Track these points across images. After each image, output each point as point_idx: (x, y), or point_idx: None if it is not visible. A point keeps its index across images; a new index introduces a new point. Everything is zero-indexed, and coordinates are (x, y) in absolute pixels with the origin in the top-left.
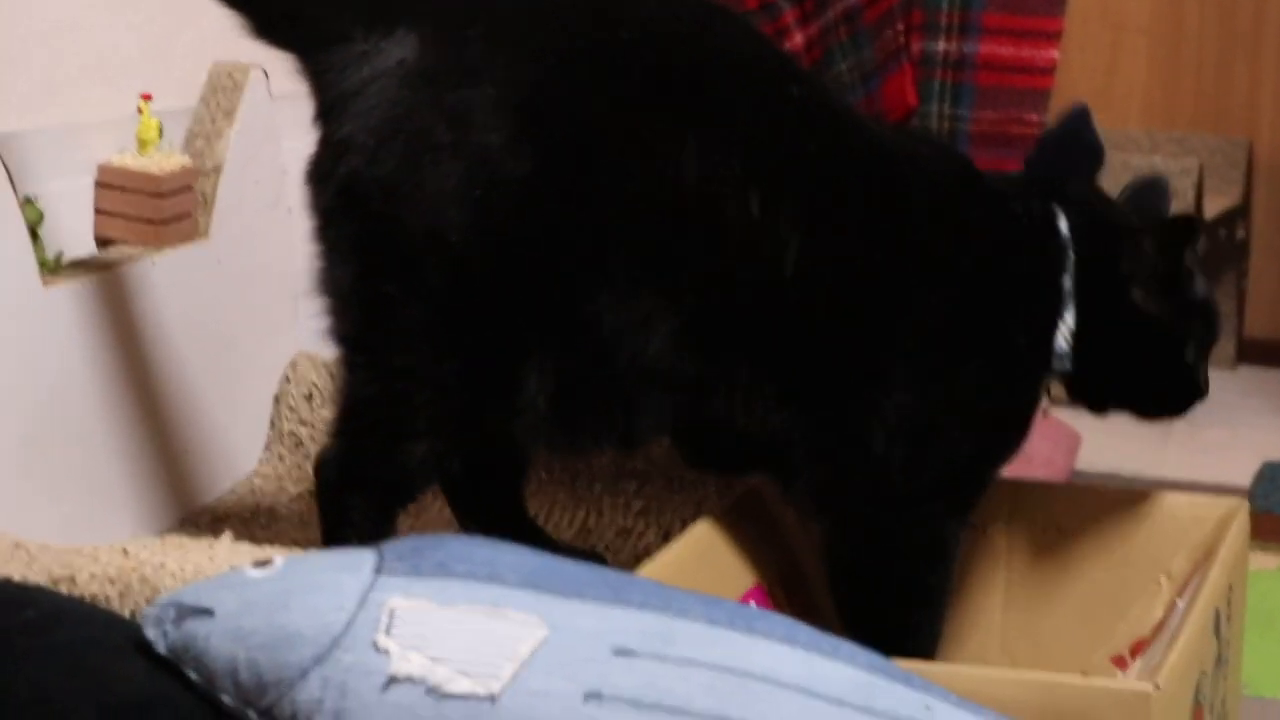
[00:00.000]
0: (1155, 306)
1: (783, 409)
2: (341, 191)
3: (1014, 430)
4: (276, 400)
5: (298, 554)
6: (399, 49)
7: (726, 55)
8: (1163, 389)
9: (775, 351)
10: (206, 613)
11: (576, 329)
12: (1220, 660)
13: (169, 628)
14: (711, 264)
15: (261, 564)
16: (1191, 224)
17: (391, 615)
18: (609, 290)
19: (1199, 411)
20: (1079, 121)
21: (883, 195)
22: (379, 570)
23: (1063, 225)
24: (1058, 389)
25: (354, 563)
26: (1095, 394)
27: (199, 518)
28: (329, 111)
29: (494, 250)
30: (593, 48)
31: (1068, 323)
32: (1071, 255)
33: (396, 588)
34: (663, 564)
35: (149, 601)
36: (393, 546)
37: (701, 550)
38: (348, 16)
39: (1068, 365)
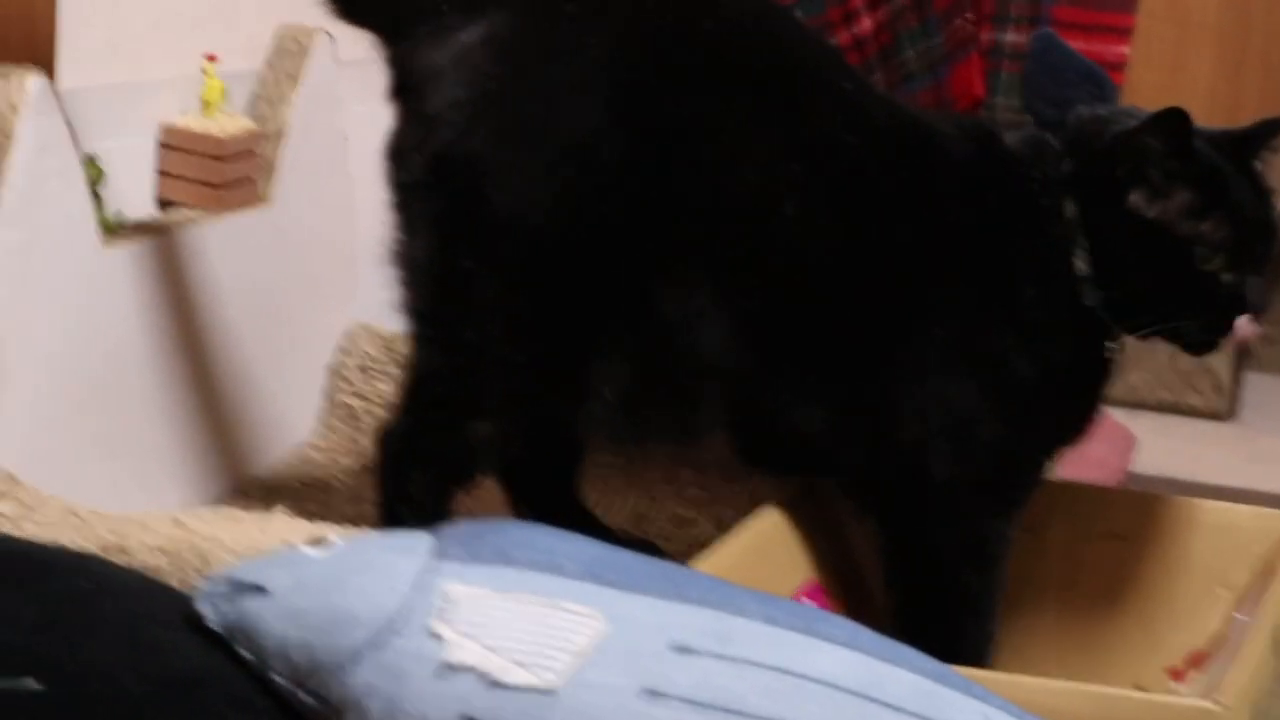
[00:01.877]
0: (1154, 209)
1: (825, 404)
2: (428, 167)
3: (1062, 405)
4: (332, 371)
5: (354, 533)
6: (491, 26)
7: (790, 51)
8: (1193, 306)
9: (819, 346)
10: (261, 590)
11: (645, 319)
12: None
13: (223, 604)
14: (762, 259)
15: (317, 542)
16: (1179, 114)
17: (448, 600)
18: (673, 280)
19: (1259, 417)
20: (1050, 49)
21: (909, 184)
22: (436, 554)
23: (1056, 155)
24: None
25: (411, 545)
26: (1129, 321)
27: (251, 487)
28: (416, 86)
29: (576, 233)
30: (679, 36)
31: (1082, 250)
32: (1069, 182)
33: (454, 573)
34: (720, 556)
35: (200, 573)
36: (451, 530)
37: (759, 543)
38: (435, 3)
39: (1098, 297)
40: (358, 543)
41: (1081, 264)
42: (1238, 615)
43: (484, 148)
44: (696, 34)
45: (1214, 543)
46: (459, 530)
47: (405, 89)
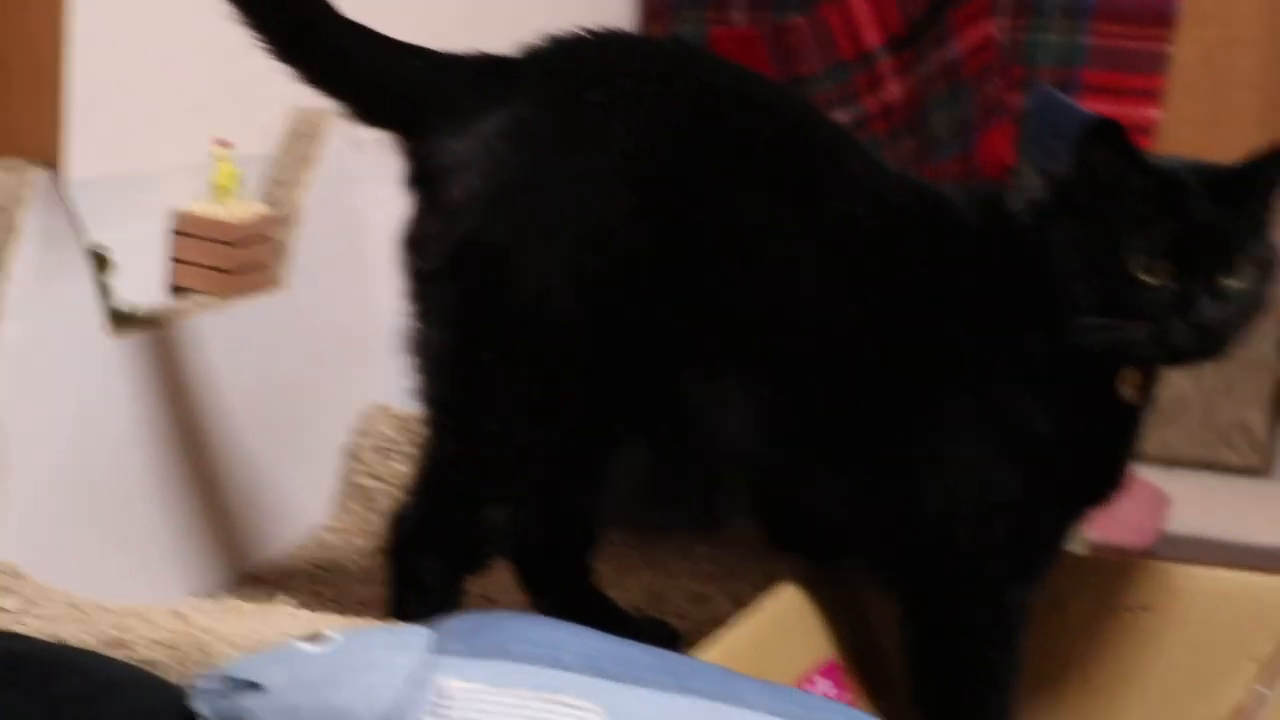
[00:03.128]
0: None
1: (849, 483)
2: (448, 256)
3: (1084, 463)
4: (347, 453)
5: (351, 628)
6: (512, 115)
7: (811, 139)
8: (1136, 312)
9: (839, 428)
10: (257, 687)
11: (667, 407)
12: None
13: (219, 701)
14: (785, 343)
15: (314, 638)
16: (1112, 125)
17: (444, 696)
18: (696, 369)
19: None
20: (1047, 105)
21: (924, 257)
22: (434, 649)
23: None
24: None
25: (408, 641)
26: (1091, 338)
27: (265, 571)
28: (435, 176)
29: (597, 321)
30: (700, 124)
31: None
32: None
33: (452, 668)
34: (734, 637)
35: (201, 667)
36: (449, 624)
37: (774, 622)
38: (457, 88)
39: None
40: (355, 638)
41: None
42: (1258, 687)
43: (505, 237)
44: (717, 122)
45: (1238, 614)
46: (457, 624)
47: (424, 179)
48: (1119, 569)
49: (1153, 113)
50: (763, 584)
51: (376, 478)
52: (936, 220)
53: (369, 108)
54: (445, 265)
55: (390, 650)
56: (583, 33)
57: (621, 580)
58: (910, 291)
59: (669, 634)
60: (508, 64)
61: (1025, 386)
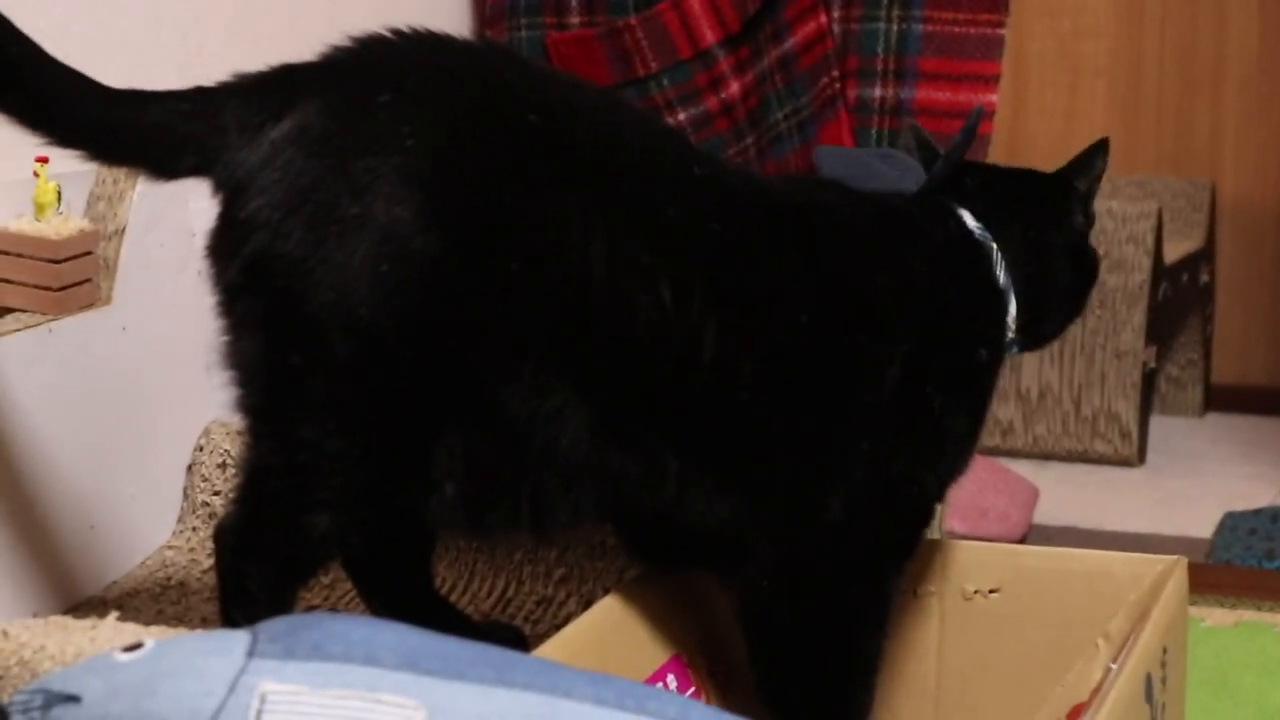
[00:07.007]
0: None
1: (724, 497)
2: (247, 268)
3: (970, 450)
4: (189, 470)
5: (169, 636)
6: (301, 119)
7: (631, 142)
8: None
9: (707, 439)
10: (73, 699)
11: (488, 415)
12: None
13: (35, 715)
14: (624, 355)
15: (131, 648)
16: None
17: (263, 700)
18: (520, 377)
19: (1164, 460)
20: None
21: (798, 261)
22: (251, 653)
23: (973, 224)
24: None
25: (225, 645)
26: (1048, 338)
27: (109, 592)
28: (232, 188)
29: (403, 326)
30: (501, 127)
31: (1011, 313)
32: (994, 248)
33: (269, 671)
34: (574, 635)
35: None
36: (266, 627)
37: (616, 621)
38: (243, 108)
39: (1015, 348)
40: (171, 645)
41: (1011, 328)
42: (1113, 665)
43: (298, 246)
44: (518, 127)
45: (1091, 593)
46: (273, 627)
47: (220, 192)
48: (970, 554)
49: (990, 97)
50: (614, 585)
51: (219, 493)
52: (812, 225)
53: (163, 165)
54: (244, 278)
55: (207, 655)
56: (386, 33)
57: (469, 586)
58: (792, 306)
59: (517, 638)
60: (298, 70)
61: (953, 386)
